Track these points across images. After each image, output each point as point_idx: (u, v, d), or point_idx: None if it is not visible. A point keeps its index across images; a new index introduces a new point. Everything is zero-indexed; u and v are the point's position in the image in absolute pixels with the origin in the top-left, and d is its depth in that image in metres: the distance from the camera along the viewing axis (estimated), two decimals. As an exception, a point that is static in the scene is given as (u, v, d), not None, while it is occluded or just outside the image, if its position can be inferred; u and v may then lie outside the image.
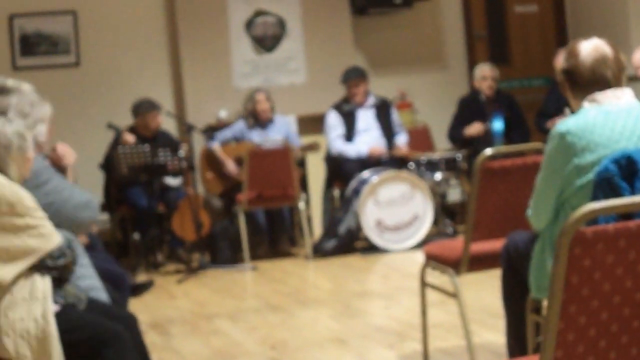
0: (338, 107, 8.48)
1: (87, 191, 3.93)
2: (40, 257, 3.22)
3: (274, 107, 8.49)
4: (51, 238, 3.25)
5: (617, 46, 3.24)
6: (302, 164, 8.68)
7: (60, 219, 3.73)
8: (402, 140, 8.56)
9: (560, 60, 7.75)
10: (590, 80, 3.17)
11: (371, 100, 8.53)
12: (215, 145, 8.40)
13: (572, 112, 3.26)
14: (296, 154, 8.12)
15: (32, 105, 3.44)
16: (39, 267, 3.25)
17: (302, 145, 8.22)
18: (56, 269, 3.29)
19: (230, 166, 8.32)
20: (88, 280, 3.77)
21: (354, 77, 8.43)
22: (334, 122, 8.41)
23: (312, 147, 8.19)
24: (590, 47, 3.20)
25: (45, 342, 3.15)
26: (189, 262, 7.88)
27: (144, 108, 8.03)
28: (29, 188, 3.58)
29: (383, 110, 8.54)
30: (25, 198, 3.19)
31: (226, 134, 8.49)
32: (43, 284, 3.24)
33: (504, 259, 3.70)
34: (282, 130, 8.45)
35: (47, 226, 3.26)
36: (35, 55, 8.78)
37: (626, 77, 3.24)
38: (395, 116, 8.69)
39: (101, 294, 3.77)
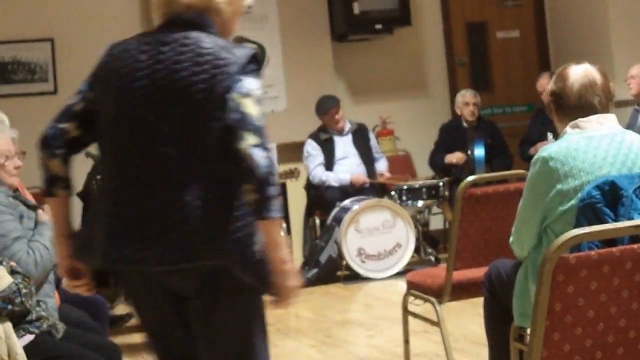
0: (315, 137, 8.42)
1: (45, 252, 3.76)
2: None
3: None
4: None
5: (606, 73, 3.21)
6: (282, 192, 8.58)
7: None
8: (382, 166, 8.51)
9: (543, 83, 7.82)
10: (576, 106, 3.13)
11: (348, 126, 8.48)
12: None
13: (556, 136, 3.23)
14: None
15: None
16: None
17: (281, 172, 8.11)
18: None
19: None
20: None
21: (334, 105, 8.38)
22: (314, 152, 8.36)
23: (292, 174, 8.10)
24: (580, 72, 3.17)
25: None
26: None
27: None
28: None
29: (361, 136, 8.49)
30: None
31: None
32: (1, 323, 3.13)
33: (487, 287, 3.67)
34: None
35: None
36: (12, 83, 8.70)
37: (613, 104, 3.21)
38: (374, 141, 8.64)
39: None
